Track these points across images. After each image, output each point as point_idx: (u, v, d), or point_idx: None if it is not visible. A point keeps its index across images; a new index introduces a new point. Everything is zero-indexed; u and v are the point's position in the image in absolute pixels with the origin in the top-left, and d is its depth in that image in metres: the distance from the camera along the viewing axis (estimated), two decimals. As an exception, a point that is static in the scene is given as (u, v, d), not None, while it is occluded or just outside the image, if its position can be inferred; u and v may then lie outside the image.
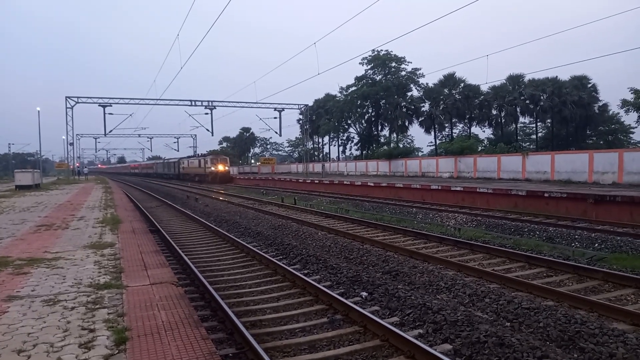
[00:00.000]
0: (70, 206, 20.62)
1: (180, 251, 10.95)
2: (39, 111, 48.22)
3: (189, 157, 67.84)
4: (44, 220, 15.10)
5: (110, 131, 49.54)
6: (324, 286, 7.87)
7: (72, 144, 53.71)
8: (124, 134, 74.72)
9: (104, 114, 45.85)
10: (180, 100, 47.97)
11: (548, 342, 5.55)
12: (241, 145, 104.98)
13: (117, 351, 4.46)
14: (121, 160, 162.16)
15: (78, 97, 46.62)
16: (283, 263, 9.90)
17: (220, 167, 52.27)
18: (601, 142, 53.11)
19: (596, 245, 11.52)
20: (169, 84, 35.93)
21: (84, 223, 14.32)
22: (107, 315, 5.51)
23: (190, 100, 47.84)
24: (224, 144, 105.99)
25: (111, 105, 46.08)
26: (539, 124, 59.92)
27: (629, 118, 44.68)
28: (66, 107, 46.59)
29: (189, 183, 53.32)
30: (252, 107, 50.19)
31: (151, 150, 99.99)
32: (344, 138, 73.48)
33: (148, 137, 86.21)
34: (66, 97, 46.33)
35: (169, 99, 48.00)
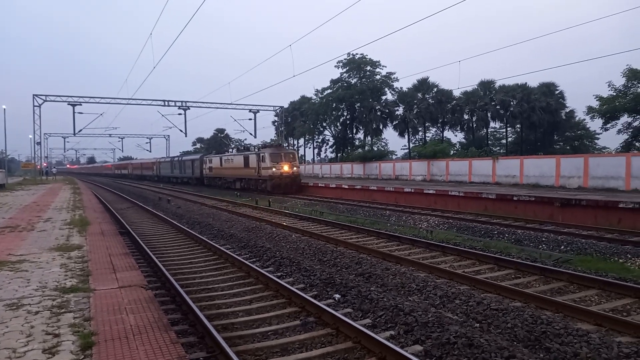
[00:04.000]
0: (37, 207, 19.99)
1: (150, 253, 10.76)
2: (4, 109, 46.64)
3: (221, 152, 46.70)
4: (8, 221, 14.59)
5: (80, 131, 48.22)
6: (297, 288, 7.86)
7: (39, 143, 52.11)
8: (94, 134, 73.14)
9: (74, 113, 44.63)
10: (153, 100, 47.11)
11: (515, 343, 5.67)
12: (215, 146, 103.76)
13: (82, 356, 4.34)
14: (91, 160, 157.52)
15: (46, 96, 45.28)
16: (256, 265, 9.84)
17: (286, 168, 32.15)
18: (568, 148, 54.72)
19: (562, 247, 11.85)
20: (142, 83, 35.13)
21: (51, 225, 13.91)
22: (73, 319, 5.36)
23: (164, 100, 47.06)
24: (198, 145, 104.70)
25: (81, 104, 44.87)
26: (508, 129, 61.36)
27: (594, 124, 46.13)
28: (33, 106, 45.20)
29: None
30: (226, 108, 49.71)
31: (122, 151, 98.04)
32: (319, 140, 73.63)
33: (119, 137, 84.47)
34: (34, 95, 44.95)
35: (141, 98, 47.14)
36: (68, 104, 44.22)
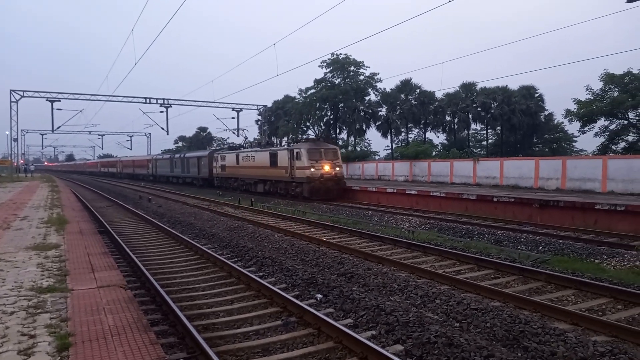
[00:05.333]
0: (13, 205, 19.53)
1: (130, 253, 10.61)
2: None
3: (236, 147, 37.78)
4: (-17, 220, 14.23)
5: (59, 127, 47.32)
6: (279, 288, 7.84)
7: (16, 139, 50.96)
8: (74, 131, 71.54)
9: (52, 109, 43.76)
10: (134, 97, 46.42)
11: (494, 342, 5.75)
12: (197, 145, 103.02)
13: (59, 358, 4.26)
14: (70, 157, 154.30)
15: (24, 91, 44.27)
16: (238, 265, 9.78)
17: (328, 167, 25.90)
18: (546, 150, 55.75)
19: (540, 248, 12.06)
20: (122, 80, 34.58)
21: (27, 223, 13.61)
22: (50, 320, 5.25)
23: (145, 98, 46.41)
24: (180, 143, 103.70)
25: (60, 101, 43.98)
26: (489, 130, 62.19)
27: (572, 127, 47.18)
28: (10, 101, 44.17)
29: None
30: (209, 107, 49.30)
31: (102, 148, 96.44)
32: (303, 140, 73.58)
33: (99, 135, 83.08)
34: (11, 90, 43.89)
35: (122, 95, 46.43)
36: (46, 100, 43.33)
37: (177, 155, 48.92)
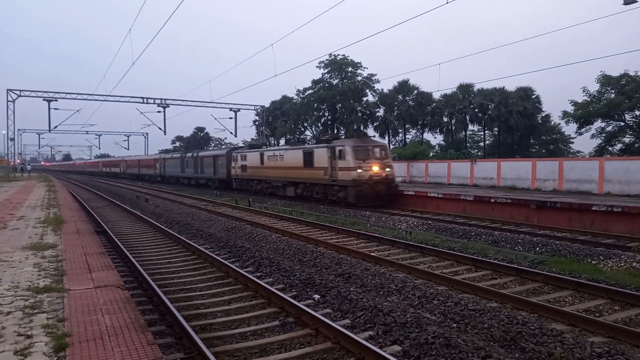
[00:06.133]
0: (10, 205, 19.46)
1: (127, 253, 10.59)
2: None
3: (258, 145, 35.38)
4: (-21, 219, 14.17)
5: (56, 127, 47.21)
6: (276, 289, 7.83)
7: (13, 139, 50.81)
8: (71, 131, 71.27)
9: (49, 109, 43.63)
10: (132, 97, 46.33)
11: (492, 343, 5.76)
12: (195, 145, 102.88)
13: (55, 358, 4.25)
14: (67, 157, 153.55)
15: (21, 90, 44.13)
16: (235, 266, 9.77)
17: (377, 168, 22.27)
18: (543, 151, 55.89)
19: (537, 249, 12.09)
20: (120, 79, 34.49)
21: (24, 223, 13.56)
22: (46, 320, 5.23)
23: (142, 98, 46.34)
24: (177, 144, 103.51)
25: (57, 100, 43.88)
26: (486, 132, 62.30)
27: (569, 129, 47.30)
28: (7, 101, 44.03)
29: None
30: (207, 107, 49.29)
31: (99, 148, 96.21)
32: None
33: (96, 135, 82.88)
34: (7, 89, 43.77)
35: (119, 95, 46.34)
36: (43, 100, 43.21)
37: (189, 154, 44.77)
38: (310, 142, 27.41)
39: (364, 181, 21.53)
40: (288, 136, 72.12)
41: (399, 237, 13.24)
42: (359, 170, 21.58)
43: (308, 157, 24.74)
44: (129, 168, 64.67)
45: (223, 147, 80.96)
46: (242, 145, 62.63)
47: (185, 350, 5.55)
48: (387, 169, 22.75)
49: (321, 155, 23.62)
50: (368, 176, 21.71)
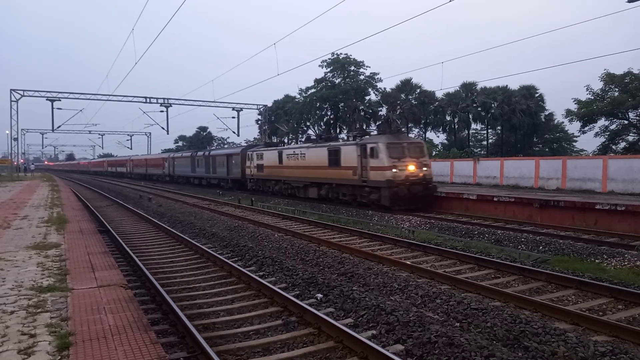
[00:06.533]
0: (13, 204, 19.54)
1: (130, 252, 10.61)
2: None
3: (275, 144, 35.20)
4: (-17, 219, 14.23)
5: (59, 127, 47.39)
6: (279, 288, 7.84)
7: (16, 139, 51.01)
8: (74, 130, 71.46)
9: (52, 108, 43.78)
10: (135, 96, 46.44)
11: (495, 342, 5.75)
12: (198, 144, 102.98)
13: (59, 357, 4.26)
14: (70, 157, 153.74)
15: (24, 90, 44.28)
16: (238, 265, 9.78)
17: (413, 168, 20.33)
18: (547, 150, 55.74)
19: (541, 247, 12.05)
20: (123, 79, 34.49)
21: (28, 222, 13.61)
22: (50, 319, 5.25)
23: (145, 97, 46.42)
24: (180, 143, 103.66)
25: (60, 100, 44.01)
26: (489, 130, 62.17)
27: (573, 127, 47.20)
28: (11, 101, 44.20)
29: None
30: (209, 106, 49.33)
31: (102, 148, 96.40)
32: (303, 140, 73.57)
33: (99, 134, 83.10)
34: (11, 89, 43.96)
35: (122, 95, 46.44)
36: (47, 100, 43.34)
37: (200, 153, 42.96)
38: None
39: (399, 182, 19.54)
40: (290, 135, 72.28)
41: (402, 237, 13.23)
42: (394, 170, 19.57)
43: (334, 155, 22.76)
44: (135, 168, 63.13)
45: (225, 145, 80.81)
46: (245, 144, 62.18)
47: (188, 349, 5.56)
48: (424, 169, 20.70)
49: (349, 154, 21.66)
50: (404, 176, 19.70)
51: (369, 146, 20.49)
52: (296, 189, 26.65)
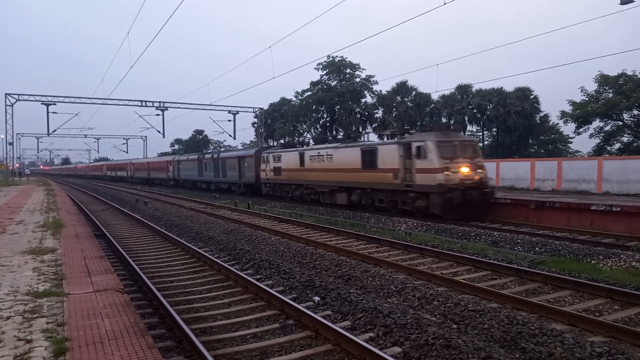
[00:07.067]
0: (9, 209, 19.45)
1: (127, 256, 10.57)
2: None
3: (293, 144, 30.91)
4: (-22, 224, 14.16)
5: (54, 131, 47.23)
6: (276, 291, 7.83)
7: (11, 143, 50.81)
8: (69, 134, 71.26)
9: (47, 112, 43.65)
10: (130, 100, 46.36)
11: (492, 343, 5.76)
12: (194, 147, 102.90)
13: (56, 363, 4.24)
14: (65, 161, 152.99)
15: (19, 95, 44.13)
16: (235, 268, 9.76)
17: (466, 170, 17.32)
18: (542, 151, 55.96)
19: (537, 249, 12.09)
20: (118, 83, 34.38)
21: (23, 227, 13.55)
22: (46, 324, 5.23)
23: (141, 101, 46.35)
24: (176, 146, 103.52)
25: (55, 104, 43.88)
26: (485, 132, 62.40)
27: (567, 128, 47.46)
28: (5, 105, 44.03)
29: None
30: (205, 109, 49.27)
31: (98, 152, 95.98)
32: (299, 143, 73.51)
33: (95, 138, 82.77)
34: (6, 94, 43.77)
35: (118, 98, 46.35)
36: (42, 104, 43.22)
37: (208, 155, 40.64)
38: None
39: (452, 186, 16.71)
40: (287, 138, 72.22)
41: (399, 239, 13.24)
42: (447, 173, 16.77)
43: (369, 156, 20.12)
44: (137, 171, 60.48)
45: (221, 148, 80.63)
46: (242, 147, 61.50)
47: (185, 353, 5.54)
48: (480, 171, 17.85)
49: (389, 154, 19.01)
50: (458, 180, 16.91)
51: (414, 145, 17.78)
52: (320, 194, 24.15)
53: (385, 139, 21.07)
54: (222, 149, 49.08)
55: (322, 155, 23.69)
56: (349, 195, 21.85)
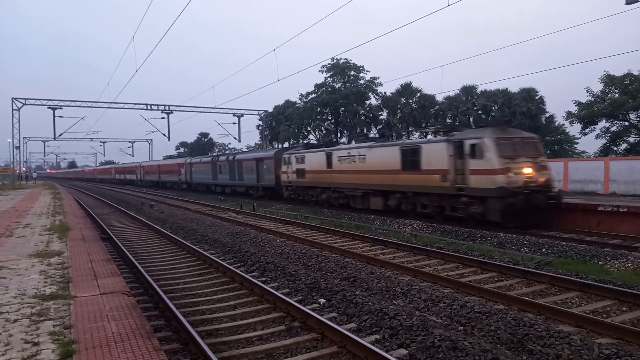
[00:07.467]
0: (16, 212, 19.58)
1: (133, 259, 10.62)
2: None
3: (319, 145, 30.18)
4: (-15, 227, 14.25)
5: (60, 135, 47.58)
6: (281, 293, 7.83)
7: (18, 147, 51.21)
8: (75, 138, 71.64)
9: (54, 116, 43.96)
10: (136, 103, 46.62)
11: (499, 345, 5.73)
12: (199, 150, 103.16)
13: (63, 365, 4.26)
14: (72, 165, 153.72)
15: (25, 99, 44.47)
16: (240, 270, 9.78)
17: (529, 170, 15.17)
18: (548, 152, 55.46)
19: (543, 250, 12.02)
20: (124, 87, 34.54)
21: (30, 230, 13.63)
22: (53, 327, 5.25)
23: (146, 104, 46.58)
24: (181, 149, 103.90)
25: (61, 108, 44.20)
26: (491, 133, 62.13)
27: (573, 129, 47.19)
28: (12, 109, 44.38)
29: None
30: (210, 112, 49.46)
31: (104, 155, 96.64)
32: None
33: (101, 142, 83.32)
34: (13, 98, 44.14)
35: (123, 102, 46.65)
36: (48, 108, 43.52)
37: (222, 157, 38.88)
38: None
39: (515, 190, 14.63)
40: (291, 140, 72.32)
41: (405, 240, 13.21)
42: (509, 175, 14.80)
43: (411, 156, 18.15)
44: (147, 175, 58.85)
45: (226, 150, 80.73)
46: (247, 150, 61.42)
47: (191, 355, 5.56)
48: (544, 171, 15.81)
49: (436, 154, 17.02)
50: (521, 182, 14.90)
51: (468, 143, 15.70)
52: (351, 198, 22.33)
53: (429, 136, 19.07)
54: (237, 151, 47.42)
55: (353, 156, 21.79)
56: (385, 199, 19.93)
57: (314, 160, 24.98)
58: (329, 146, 25.95)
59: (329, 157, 23.65)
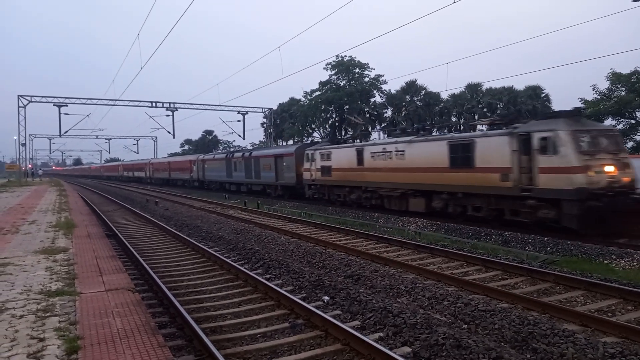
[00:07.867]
0: (22, 209, 19.70)
1: (138, 256, 10.66)
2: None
3: (345, 139, 29.50)
4: (-8, 224, 14.36)
5: (66, 132, 47.84)
6: (285, 291, 7.85)
7: (24, 144, 51.49)
8: (81, 135, 71.95)
9: (59, 114, 44.19)
10: (140, 101, 46.78)
11: (503, 343, 5.72)
12: (204, 148, 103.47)
13: (68, 361, 4.28)
14: (77, 162, 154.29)
15: (31, 96, 44.73)
16: (245, 268, 9.80)
17: (611, 168, 12.50)
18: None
19: (548, 248, 11.97)
20: (129, 84, 34.59)
21: (36, 227, 13.72)
22: (59, 323, 5.29)
23: (151, 102, 46.72)
24: (186, 147, 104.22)
25: (67, 105, 44.47)
26: (496, 131, 61.94)
27: (580, 127, 46.89)
28: (18, 107, 44.65)
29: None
30: (215, 110, 49.55)
31: (109, 152, 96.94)
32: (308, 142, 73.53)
33: (106, 139, 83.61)
34: (19, 95, 44.44)
35: (128, 99, 46.76)
36: (54, 105, 43.75)
37: (238, 154, 36.25)
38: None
39: (597, 191, 12.40)
40: (296, 138, 72.29)
41: (409, 238, 13.19)
42: (589, 173, 12.52)
43: (462, 151, 15.90)
44: (156, 172, 56.63)
45: (231, 148, 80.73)
46: (251, 147, 61.40)
47: (195, 352, 5.58)
48: (627, 170, 13.35)
49: (494, 149, 14.79)
50: (605, 182, 12.63)
51: (537, 136, 13.41)
52: (386, 199, 20.10)
53: (478, 128, 16.85)
54: (253, 147, 45.35)
55: (390, 152, 19.47)
56: (429, 201, 17.71)
57: (342, 156, 22.70)
58: (360, 141, 23.61)
59: (359, 153, 21.37)
